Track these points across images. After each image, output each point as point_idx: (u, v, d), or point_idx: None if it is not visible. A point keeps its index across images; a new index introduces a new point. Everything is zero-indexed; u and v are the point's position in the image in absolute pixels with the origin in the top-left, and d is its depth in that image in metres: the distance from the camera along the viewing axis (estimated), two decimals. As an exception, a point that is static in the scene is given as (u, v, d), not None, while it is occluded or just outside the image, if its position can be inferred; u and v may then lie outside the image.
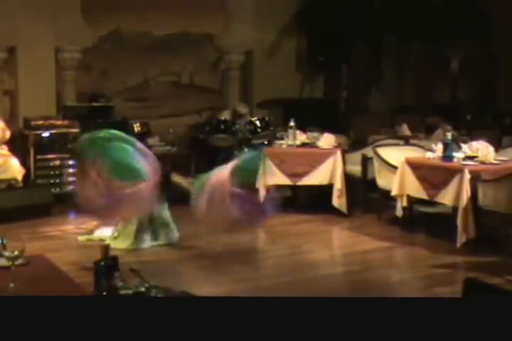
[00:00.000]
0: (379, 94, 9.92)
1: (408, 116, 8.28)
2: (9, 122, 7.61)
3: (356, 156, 6.77)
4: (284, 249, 5.59)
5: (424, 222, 6.23)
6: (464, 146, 5.85)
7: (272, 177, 6.54)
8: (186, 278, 4.68)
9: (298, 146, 6.74)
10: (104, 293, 2.62)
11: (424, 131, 7.60)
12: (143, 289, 2.71)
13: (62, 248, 5.32)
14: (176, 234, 5.54)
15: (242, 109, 8.31)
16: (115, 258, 2.75)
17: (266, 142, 7.48)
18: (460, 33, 8.75)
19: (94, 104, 7.78)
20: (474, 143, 5.86)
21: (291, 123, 6.80)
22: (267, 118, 7.89)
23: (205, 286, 4.46)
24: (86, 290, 2.87)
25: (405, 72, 9.82)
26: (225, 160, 7.69)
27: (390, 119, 8.39)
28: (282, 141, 6.89)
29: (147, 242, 5.43)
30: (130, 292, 2.63)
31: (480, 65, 9.44)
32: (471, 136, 6.72)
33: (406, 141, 6.76)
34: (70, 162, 7.36)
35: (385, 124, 7.97)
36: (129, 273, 2.89)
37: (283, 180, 6.59)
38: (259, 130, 7.78)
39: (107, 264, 2.69)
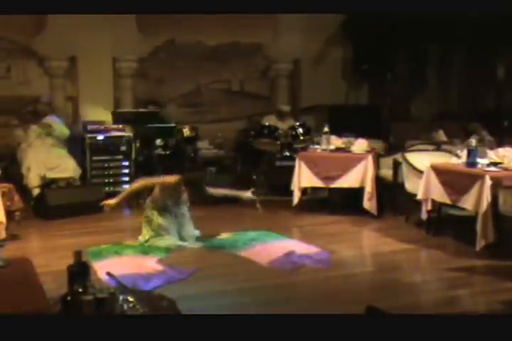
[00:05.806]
0: (422, 101, 10.01)
1: (448, 122, 8.34)
2: (71, 126, 8.26)
3: (390, 161, 6.95)
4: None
5: (449, 225, 6.30)
6: (490, 152, 5.91)
7: (306, 179, 6.86)
8: (208, 273, 4.91)
9: (332, 151, 7.01)
10: (69, 298, 2.74)
11: (462, 137, 7.65)
12: (105, 295, 2.78)
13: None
14: (195, 232, 5.86)
15: (285, 107, 8.81)
16: (85, 264, 2.85)
17: (307, 147, 7.77)
18: (506, 39, 8.71)
19: (141, 110, 8.27)
20: (500, 150, 5.91)
21: (326, 129, 7.09)
22: (308, 124, 8.19)
23: (234, 282, 4.66)
24: (51, 296, 3.00)
25: (449, 80, 9.84)
26: (269, 162, 8.13)
27: (430, 125, 8.46)
28: (317, 146, 7.18)
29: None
30: (90, 297, 2.71)
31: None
32: (504, 142, 6.72)
33: (438, 147, 6.86)
34: (123, 163, 7.94)
35: (425, 130, 8.07)
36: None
37: (316, 182, 6.90)
38: (300, 135, 8.07)
39: (76, 270, 2.81)
